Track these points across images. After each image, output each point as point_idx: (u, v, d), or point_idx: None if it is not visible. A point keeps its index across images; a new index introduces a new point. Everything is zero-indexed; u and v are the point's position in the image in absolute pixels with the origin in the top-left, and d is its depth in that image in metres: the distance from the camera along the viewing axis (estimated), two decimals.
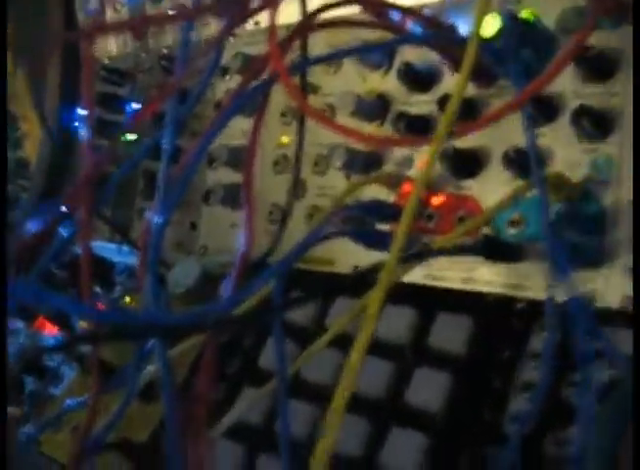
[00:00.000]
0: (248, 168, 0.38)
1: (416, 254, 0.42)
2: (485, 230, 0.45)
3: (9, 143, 0.82)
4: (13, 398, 0.59)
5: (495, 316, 0.45)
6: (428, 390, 0.44)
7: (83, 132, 0.43)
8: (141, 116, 0.40)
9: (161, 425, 0.52)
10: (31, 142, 0.82)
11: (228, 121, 0.38)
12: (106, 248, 0.64)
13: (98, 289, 0.62)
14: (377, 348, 0.46)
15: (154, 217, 0.37)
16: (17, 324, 0.66)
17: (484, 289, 0.46)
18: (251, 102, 0.45)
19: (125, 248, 0.62)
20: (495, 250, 0.46)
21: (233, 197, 0.57)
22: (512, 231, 0.45)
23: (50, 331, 0.63)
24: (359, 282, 0.45)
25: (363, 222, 0.48)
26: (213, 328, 0.33)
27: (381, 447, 0.43)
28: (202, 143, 0.38)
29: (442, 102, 0.47)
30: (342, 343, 0.46)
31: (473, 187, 0.47)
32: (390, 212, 0.48)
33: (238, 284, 0.36)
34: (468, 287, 0.46)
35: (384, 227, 0.49)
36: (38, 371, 0.59)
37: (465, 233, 0.44)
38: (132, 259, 0.62)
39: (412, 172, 0.50)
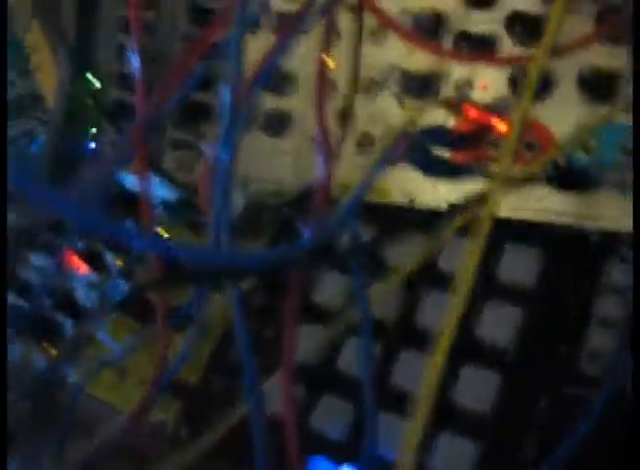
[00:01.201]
0: (320, 93, 0.35)
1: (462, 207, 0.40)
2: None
3: (18, 73, 0.77)
4: (49, 339, 0.57)
5: (568, 248, 0.43)
6: (499, 324, 0.42)
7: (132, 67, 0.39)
8: (199, 45, 0.36)
9: (211, 366, 0.50)
10: (44, 73, 0.78)
11: (293, 41, 0.35)
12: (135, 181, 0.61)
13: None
14: (445, 281, 0.44)
15: (220, 153, 0.34)
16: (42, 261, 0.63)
17: (555, 220, 0.44)
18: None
19: (157, 180, 0.59)
20: (566, 178, 0.43)
21: (275, 123, 0.54)
22: (584, 158, 0.43)
23: (79, 268, 0.61)
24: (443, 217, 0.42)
25: (424, 150, 0.45)
26: (300, 267, 0.30)
27: (453, 386, 0.41)
28: (265, 67, 0.35)
29: (511, 20, 0.44)
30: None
31: (540, 111, 0.44)
32: (455, 139, 0.45)
33: (320, 218, 0.33)
34: (537, 218, 0.44)
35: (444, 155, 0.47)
36: (74, 312, 0.57)
37: (542, 164, 0.41)
38: (165, 193, 0.59)
39: (473, 95, 0.46)
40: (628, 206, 0.41)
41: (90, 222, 0.25)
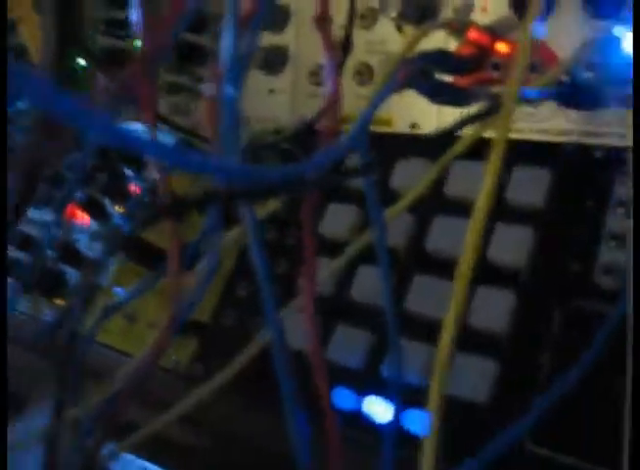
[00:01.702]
0: (323, 20, 0.34)
1: (495, 106, 0.39)
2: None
3: None
4: (57, 290, 0.57)
5: (574, 166, 0.43)
6: (509, 246, 0.42)
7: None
8: None
9: (222, 302, 0.50)
10: (27, 27, 0.76)
11: None
12: (130, 128, 0.60)
13: (130, 172, 0.59)
14: (451, 205, 0.44)
15: (226, 88, 0.33)
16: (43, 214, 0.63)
17: (561, 139, 0.43)
18: None
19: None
20: (571, 96, 0.43)
21: (271, 61, 0.53)
22: (588, 75, 0.42)
23: (82, 220, 0.60)
24: (440, 141, 0.42)
25: (427, 76, 0.45)
26: (314, 186, 0.30)
27: (469, 308, 0.41)
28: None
29: None
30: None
31: (544, 29, 0.44)
32: (457, 62, 0.44)
33: (329, 142, 0.33)
34: (543, 138, 0.44)
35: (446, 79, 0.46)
36: (79, 262, 0.57)
37: (547, 83, 0.41)
38: (163, 138, 0.58)
39: (473, 17, 0.46)
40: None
41: (108, 131, 0.24)
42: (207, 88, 0.36)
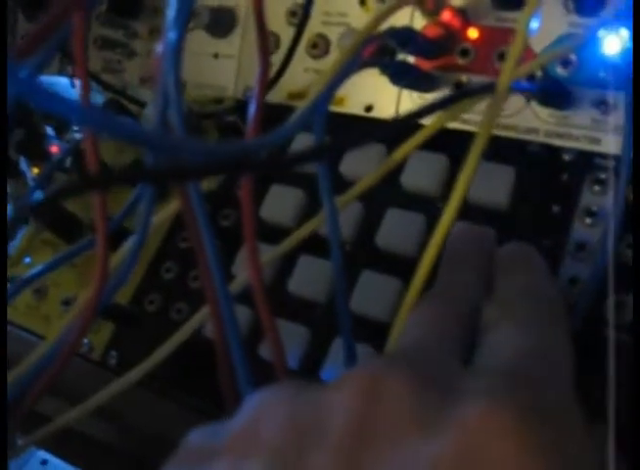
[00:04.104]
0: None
1: (463, 94, 0.36)
2: None
3: None
4: None
5: (541, 167, 0.40)
6: None
7: None
8: None
9: (144, 285, 0.46)
10: None
11: None
12: (56, 83, 0.55)
13: (50, 131, 0.53)
14: (407, 199, 0.41)
15: (167, 33, 0.29)
16: None
17: (529, 137, 0.40)
18: None
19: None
20: (543, 93, 0.40)
21: (219, 22, 0.48)
22: (562, 71, 0.40)
23: None
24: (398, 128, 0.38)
25: (392, 55, 0.41)
26: (260, 167, 0.26)
27: None
28: None
29: None
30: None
31: (517, 19, 0.41)
32: (425, 45, 0.41)
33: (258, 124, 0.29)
34: (509, 134, 0.41)
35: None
36: None
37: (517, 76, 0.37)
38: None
39: None
40: (606, 125, 0.39)
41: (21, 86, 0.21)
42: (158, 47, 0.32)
